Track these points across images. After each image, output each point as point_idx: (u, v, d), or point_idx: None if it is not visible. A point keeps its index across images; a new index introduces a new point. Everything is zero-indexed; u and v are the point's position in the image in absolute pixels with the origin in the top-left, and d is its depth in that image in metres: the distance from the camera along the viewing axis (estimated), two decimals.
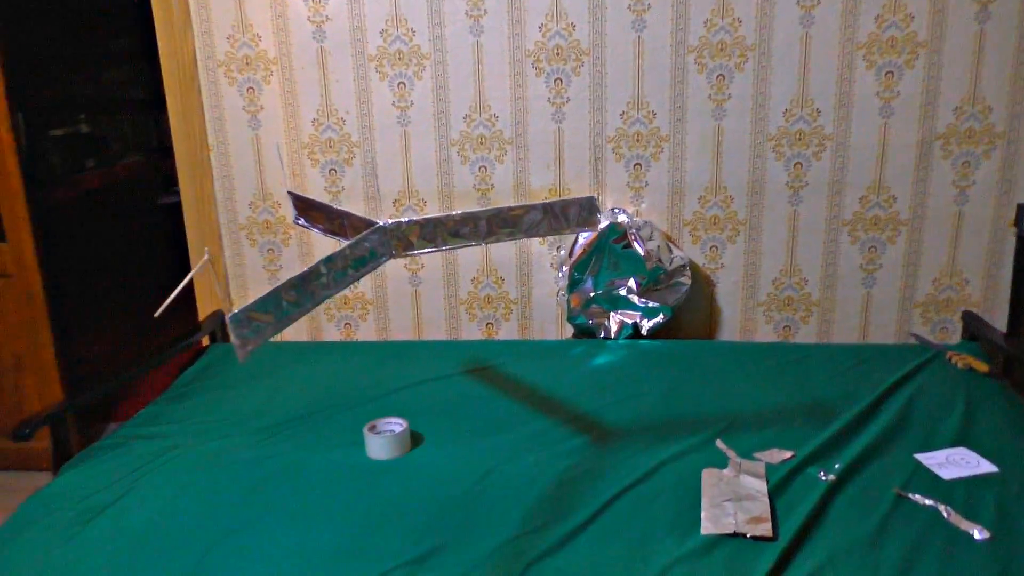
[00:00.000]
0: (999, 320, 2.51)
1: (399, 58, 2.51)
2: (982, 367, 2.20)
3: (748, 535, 1.53)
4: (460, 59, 2.49)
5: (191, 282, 1.08)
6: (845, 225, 2.53)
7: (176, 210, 2.79)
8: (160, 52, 2.61)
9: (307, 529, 1.62)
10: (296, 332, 2.80)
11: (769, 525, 1.56)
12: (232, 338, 1.14)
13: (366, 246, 1.35)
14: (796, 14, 2.36)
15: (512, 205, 1.46)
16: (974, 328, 2.45)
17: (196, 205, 2.73)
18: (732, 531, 1.55)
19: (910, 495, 1.65)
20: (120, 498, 1.74)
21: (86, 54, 3.99)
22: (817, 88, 2.41)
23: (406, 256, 1.44)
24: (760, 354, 2.42)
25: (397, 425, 1.95)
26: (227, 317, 1.12)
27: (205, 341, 2.70)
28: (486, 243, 1.47)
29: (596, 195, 1.47)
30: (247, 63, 2.57)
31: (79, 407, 3.07)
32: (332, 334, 2.80)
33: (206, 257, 1.10)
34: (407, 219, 1.39)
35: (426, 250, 1.45)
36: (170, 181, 2.66)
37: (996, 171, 2.42)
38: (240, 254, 2.75)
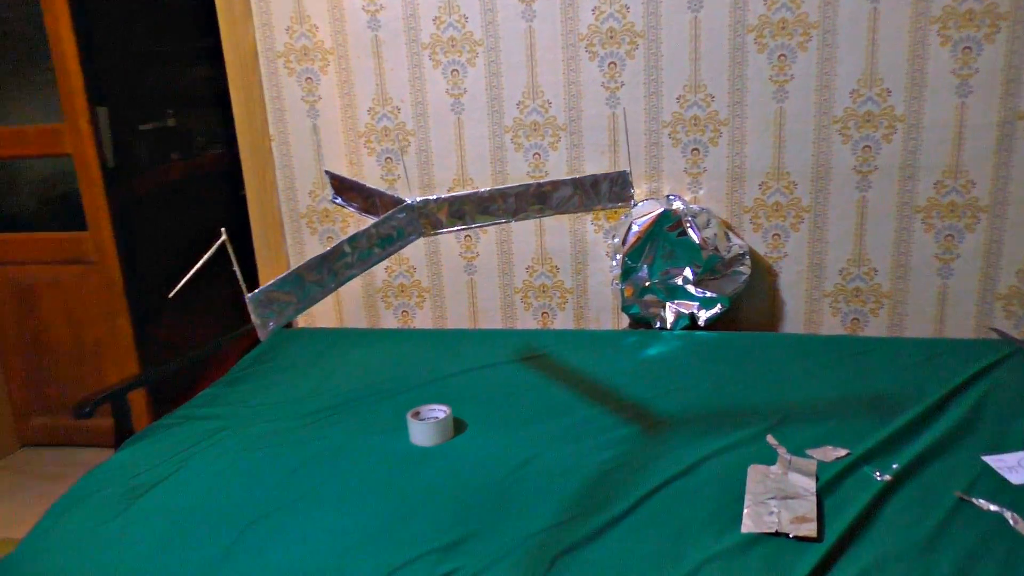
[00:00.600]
0: None
1: (452, 45, 2.51)
2: None
3: (791, 535, 1.46)
4: (513, 45, 2.47)
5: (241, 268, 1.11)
6: (919, 212, 2.38)
7: None
8: (223, 45, 2.68)
9: (342, 512, 1.63)
10: (355, 319, 2.84)
11: (814, 525, 1.48)
12: (252, 318, 1.15)
13: (392, 225, 1.34)
14: None
15: (541, 181, 1.43)
16: None
17: (259, 194, 2.80)
18: (774, 530, 1.48)
19: (973, 499, 1.54)
20: (169, 476, 1.79)
21: (176, 52, 4.14)
22: (887, 66, 2.28)
23: (435, 234, 1.42)
24: (822, 347, 2.31)
25: (440, 412, 1.95)
26: (246, 297, 1.13)
27: None
28: (516, 220, 1.45)
29: (628, 170, 1.41)
30: (305, 54, 2.61)
31: (159, 391, 3.23)
32: (390, 321, 2.83)
33: (223, 238, 1.11)
34: (435, 197, 1.38)
35: (455, 228, 1.43)
36: None
37: None
38: (300, 242, 2.81)
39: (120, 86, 3.71)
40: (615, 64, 2.42)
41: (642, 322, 2.49)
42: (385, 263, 2.74)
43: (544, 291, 2.67)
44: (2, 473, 3.27)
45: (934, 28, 2.23)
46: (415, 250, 2.71)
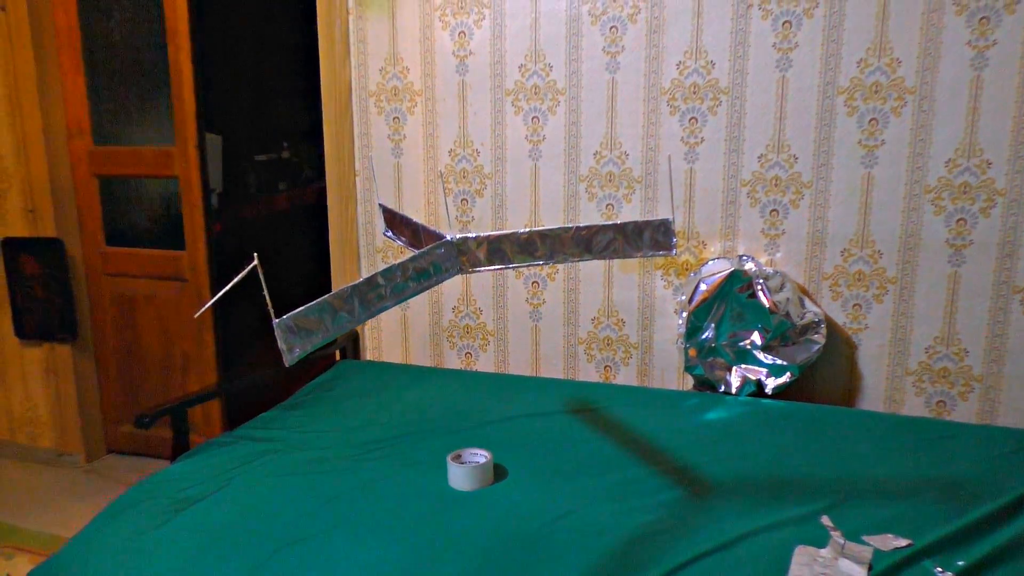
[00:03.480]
0: None
1: (535, 93, 2.53)
2: None
3: None
4: (594, 95, 2.47)
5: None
6: (1017, 292, 2.21)
7: None
8: (322, 82, 2.81)
9: (369, 546, 1.62)
10: (420, 356, 2.87)
11: None
12: (279, 343, 1.17)
13: (429, 259, 1.35)
14: (966, 55, 2.12)
15: (583, 224, 1.41)
16: None
17: (341, 226, 2.89)
18: None
19: None
20: (213, 492, 1.84)
21: (293, 89, 4.36)
22: (988, 136, 2.15)
23: (473, 272, 1.42)
24: (899, 427, 2.16)
25: (481, 457, 1.92)
26: (273, 323, 1.15)
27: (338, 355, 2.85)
28: (555, 262, 1.43)
29: (671, 217, 1.38)
30: (395, 94, 2.70)
31: (233, 410, 3.34)
32: (453, 361, 2.83)
33: (254, 263, 1.14)
34: (474, 234, 1.38)
35: (494, 267, 1.42)
36: None
37: None
38: None
39: (239, 118, 3.94)
40: (696, 119, 2.39)
41: (706, 384, 2.40)
42: (453, 303, 2.76)
43: (608, 344, 2.62)
44: (88, 476, 3.44)
45: None
46: (482, 292, 2.72)
